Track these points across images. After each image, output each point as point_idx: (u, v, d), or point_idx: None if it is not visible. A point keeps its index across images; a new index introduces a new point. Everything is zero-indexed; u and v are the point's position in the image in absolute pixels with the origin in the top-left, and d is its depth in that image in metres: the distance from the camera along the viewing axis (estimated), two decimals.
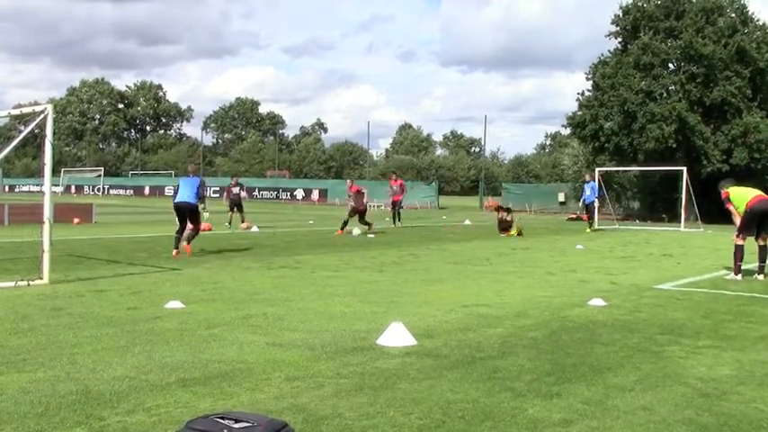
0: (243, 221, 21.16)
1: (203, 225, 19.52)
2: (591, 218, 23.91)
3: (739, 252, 10.81)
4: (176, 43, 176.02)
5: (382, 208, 37.61)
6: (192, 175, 13.77)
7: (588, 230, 22.94)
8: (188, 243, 12.90)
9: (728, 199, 11.07)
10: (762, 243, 10.90)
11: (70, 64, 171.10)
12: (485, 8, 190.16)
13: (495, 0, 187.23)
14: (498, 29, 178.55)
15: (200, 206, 13.08)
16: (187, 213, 12.93)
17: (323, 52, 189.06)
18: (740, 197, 11.01)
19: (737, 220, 10.97)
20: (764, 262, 10.85)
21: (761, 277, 10.70)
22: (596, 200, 23.71)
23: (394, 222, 23.78)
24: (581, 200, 24.17)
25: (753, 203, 10.80)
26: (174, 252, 12.68)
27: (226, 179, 48.67)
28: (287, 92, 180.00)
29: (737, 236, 10.90)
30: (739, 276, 10.69)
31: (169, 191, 61.85)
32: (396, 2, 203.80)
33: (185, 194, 12.99)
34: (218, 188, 51.72)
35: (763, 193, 11.17)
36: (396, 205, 24.21)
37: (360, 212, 19.89)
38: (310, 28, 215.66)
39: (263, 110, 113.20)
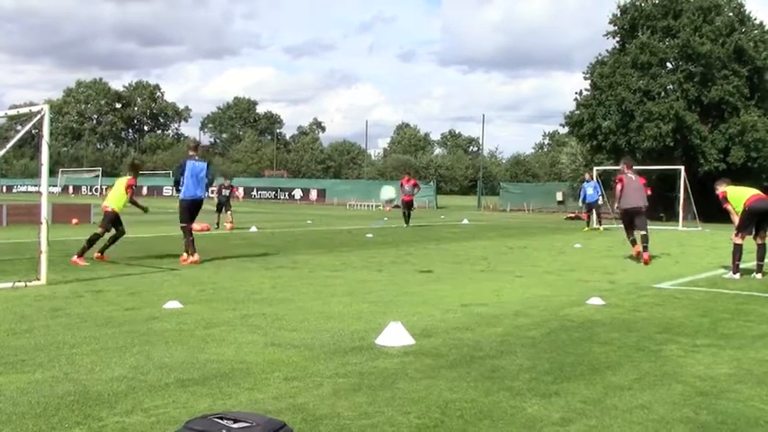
0: (228, 222, 21.13)
1: (202, 225, 19.65)
2: (590, 217, 23.97)
3: (738, 251, 10.82)
4: (177, 44, 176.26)
5: (381, 208, 37.52)
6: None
7: (585, 229, 23.10)
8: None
9: (726, 198, 11.08)
10: (760, 242, 10.91)
11: (70, 65, 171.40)
12: (485, 8, 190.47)
13: (495, 0, 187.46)
14: (498, 29, 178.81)
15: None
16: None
17: (323, 52, 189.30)
18: (738, 196, 11.01)
19: (736, 220, 10.99)
20: (762, 261, 10.87)
21: (759, 276, 10.70)
22: (600, 198, 23.69)
23: (406, 222, 23.34)
24: (581, 198, 24.06)
25: (751, 202, 10.80)
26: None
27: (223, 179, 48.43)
28: (287, 92, 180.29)
29: (736, 235, 10.91)
30: (737, 275, 10.70)
31: (167, 191, 61.32)
32: (396, 2, 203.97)
33: None
34: (215, 188, 51.44)
35: (761, 192, 11.19)
36: (406, 205, 23.81)
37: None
38: (311, 28, 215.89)
39: (261, 110, 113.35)
